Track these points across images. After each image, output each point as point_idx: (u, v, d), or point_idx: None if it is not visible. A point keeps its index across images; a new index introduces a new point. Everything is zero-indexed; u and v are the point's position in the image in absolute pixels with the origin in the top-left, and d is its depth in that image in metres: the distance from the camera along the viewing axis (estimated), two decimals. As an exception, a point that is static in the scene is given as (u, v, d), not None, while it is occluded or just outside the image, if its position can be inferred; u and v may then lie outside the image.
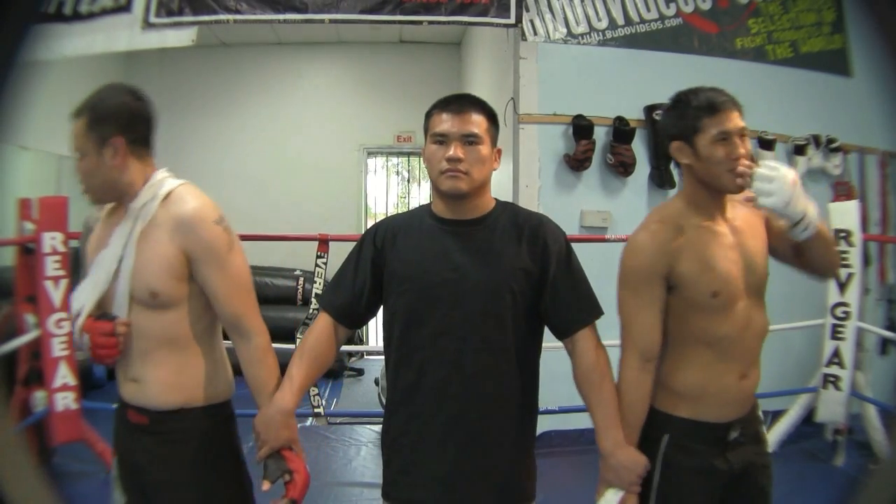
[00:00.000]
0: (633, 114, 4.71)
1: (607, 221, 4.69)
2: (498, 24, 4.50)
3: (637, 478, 1.83)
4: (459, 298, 1.82)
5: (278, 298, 6.86)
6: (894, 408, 4.39)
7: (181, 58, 7.18)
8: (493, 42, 5.59)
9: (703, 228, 1.89)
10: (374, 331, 7.51)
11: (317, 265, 3.97)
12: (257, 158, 7.87)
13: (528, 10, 4.52)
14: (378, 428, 2.08)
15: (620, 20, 4.74)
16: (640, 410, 1.90)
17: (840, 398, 4.16)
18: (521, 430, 1.92)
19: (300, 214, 7.49)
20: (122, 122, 1.82)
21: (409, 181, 8.62)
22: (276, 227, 6.27)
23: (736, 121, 1.84)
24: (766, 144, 4.91)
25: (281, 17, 4.41)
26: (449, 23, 4.53)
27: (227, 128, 7.90)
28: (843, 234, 4.19)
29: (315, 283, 3.94)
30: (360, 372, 6.86)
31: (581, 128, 4.60)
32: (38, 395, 3.83)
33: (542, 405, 3.73)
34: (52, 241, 3.72)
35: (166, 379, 1.84)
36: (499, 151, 1.92)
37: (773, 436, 4.53)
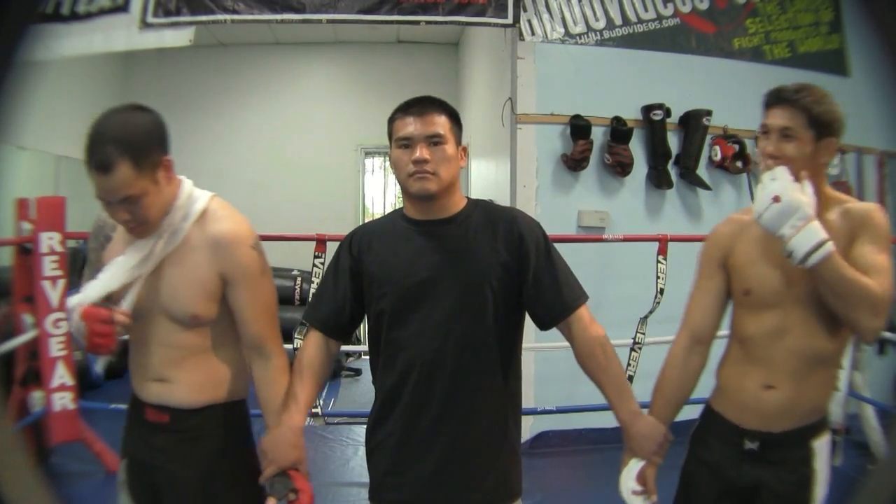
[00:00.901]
0: (631, 114, 4.70)
1: (605, 221, 4.68)
2: (495, 24, 4.50)
3: (657, 446, 1.84)
4: (438, 297, 1.83)
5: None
6: (892, 408, 4.39)
7: (179, 58, 7.18)
8: (490, 42, 5.59)
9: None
10: (367, 330, 7.48)
11: (314, 265, 3.97)
12: (255, 158, 7.87)
13: (525, 10, 4.52)
14: (376, 428, 2.07)
15: (618, 20, 4.73)
16: (678, 387, 1.94)
17: (838, 398, 4.15)
18: (505, 425, 1.92)
19: (298, 214, 7.49)
20: (161, 139, 1.76)
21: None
22: (273, 226, 6.24)
23: (776, 117, 1.80)
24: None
25: (278, 17, 4.41)
26: (446, 23, 4.53)
27: (225, 128, 7.90)
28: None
29: (313, 283, 3.94)
30: (357, 372, 6.86)
31: (578, 128, 4.60)
32: (36, 395, 3.83)
33: (540, 405, 3.75)
34: (49, 241, 3.72)
35: (197, 380, 1.86)
36: (464, 149, 1.93)
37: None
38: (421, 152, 1.81)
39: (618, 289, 4.23)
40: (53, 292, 3.72)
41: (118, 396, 4.36)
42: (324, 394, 6.02)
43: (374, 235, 1.95)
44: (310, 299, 3.90)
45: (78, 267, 6.44)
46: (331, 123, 7.98)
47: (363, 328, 2.02)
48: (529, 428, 4.22)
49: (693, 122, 4.70)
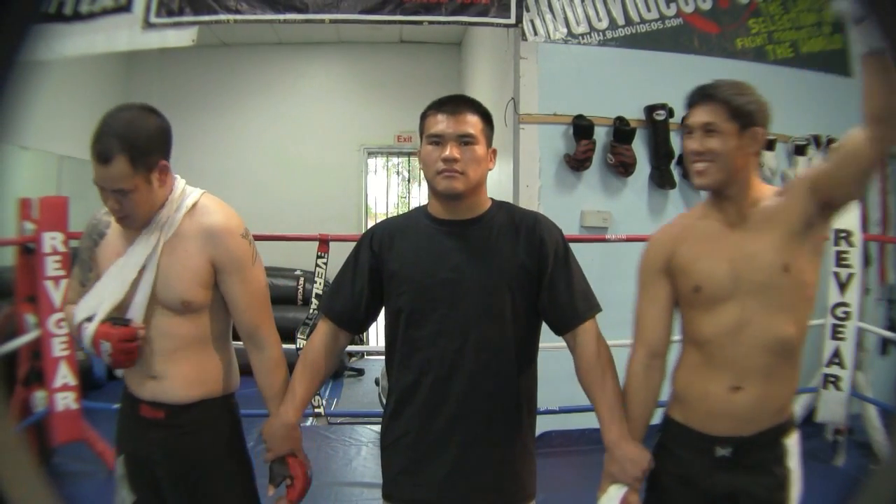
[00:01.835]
0: (634, 114, 4.70)
1: (607, 221, 4.68)
2: (498, 24, 4.50)
3: (641, 472, 1.81)
4: (459, 298, 1.83)
5: (279, 298, 6.83)
6: (894, 408, 4.39)
7: (181, 58, 7.18)
8: (493, 42, 5.59)
9: (705, 225, 1.87)
10: (375, 331, 7.49)
11: (317, 265, 3.97)
12: (258, 158, 7.87)
13: (528, 10, 4.52)
14: (378, 428, 2.09)
15: (621, 20, 4.73)
16: (644, 405, 1.90)
17: (840, 398, 4.15)
18: (521, 427, 1.92)
19: (300, 214, 7.49)
20: (162, 145, 1.83)
21: (409, 181, 8.62)
22: (276, 226, 6.25)
23: (697, 116, 1.80)
24: (767, 144, 4.90)
25: (281, 17, 4.41)
26: (449, 23, 4.53)
27: (228, 128, 7.90)
28: (843, 235, 4.19)
29: (315, 282, 3.95)
30: (360, 372, 6.87)
31: (581, 128, 4.60)
32: (39, 395, 3.84)
33: (542, 405, 3.74)
34: (52, 241, 3.73)
35: (189, 374, 1.92)
36: (493, 151, 1.93)
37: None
38: (451, 151, 1.82)
39: (620, 289, 4.20)
40: (56, 292, 3.72)
41: (120, 397, 4.37)
42: (326, 393, 6.02)
43: (396, 232, 1.95)
44: (315, 299, 3.93)
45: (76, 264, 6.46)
46: (333, 123, 7.98)
47: (382, 329, 2.04)
48: (532, 428, 4.22)
49: (696, 123, 4.69)
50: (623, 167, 4.66)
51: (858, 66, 1.64)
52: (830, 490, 4.05)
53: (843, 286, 4.20)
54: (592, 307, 1.90)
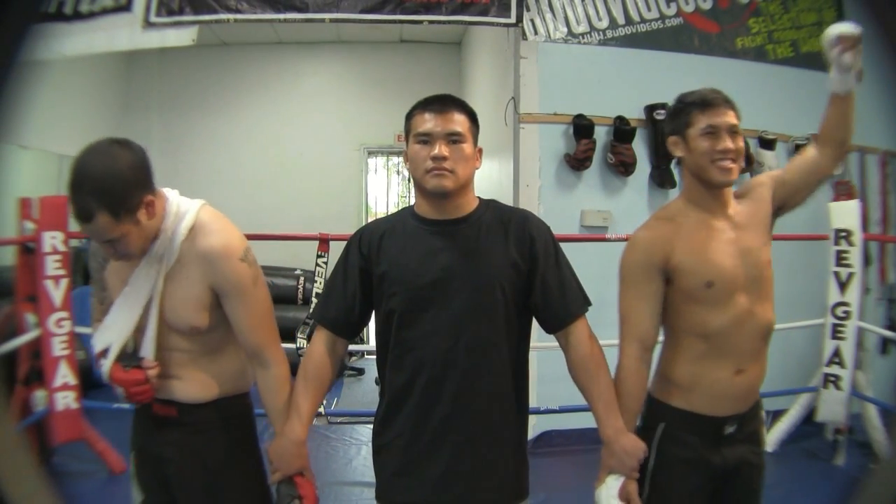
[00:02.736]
0: (634, 113, 4.70)
1: (608, 221, 4.68)
2: (498, 24, 4.50)
3: (638, 463, 1.86)
4: (450, 298, 1.83)
5: (279, 298, 6.82)
6: (895, 407, 4.39)
7: (181, 57, 7.18)
8: (493, 41, 5.59)
9: (699, 222, 1.95)
10: (374, 329, 7.49)
11: (317, 265, 3.97)
12: (258, 158, 7.87)
13: (528, 10, 4.52)
14: (378, 428, 2.07)
15: (621, 20, 4.73)
16: (638, 398, 1.96)
17: (840, 398, 4.15)
18: (513, 426, 1.93)
19: (301, 214, 7.49)
20: (141, 182, 1.74)
21: (409, 180, 8.61)
22: (276, 226, 6.26)
23: (725, 117, 1.91)
24: (767, 144, 4.91)
25: (281, 16, 4.41)
26: (449, 22, 4.52)
27: (228, 127, 7.90)
28: (843, 234, 4.19)
29: (315, 282, 3.95)
30: (360, 371, 6.87)
31: (581, 127, 4.60)
32: (39, 395, 3.83)
33: (542, 405, 3.75)
34: (52, 240, 3.72)
35: (202, 380, 1.92)
36: (479, 150, 1.93)
37: (774, 435, 4.54)
38: (440, 149, 1.81)
39: (620, 288, 4.24)
40: (56, 292, 3.72)
41: (121, 396, 4.37)
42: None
43: (384, 234, 1.93)
44: (315, 298, 3.92)
45: (80, 267, 6.46)
46: (333, 123, 7.98)
47: (367, 327, 2.03)
48: (532, 428, 4.22)
49: (696, 122, 4.69)
50: (623, 167, 4.66)
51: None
52: (830, 489, 4.05)
53: (843, 286, 4.19)
54: (582, 305, 1.91)
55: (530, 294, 1.88)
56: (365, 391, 6.29)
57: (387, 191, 8.42)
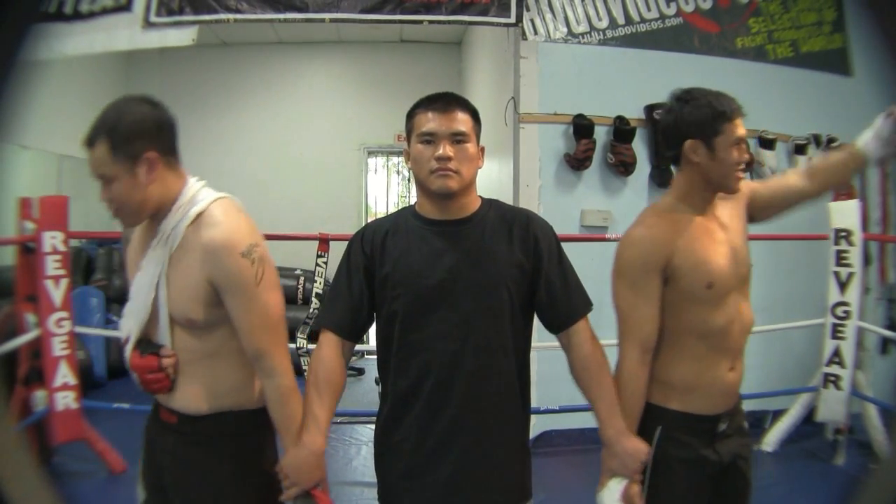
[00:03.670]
0: (634, 113, 4.70)
1: (608, 221, 4.69)
2: (498, 24, 4.50)
3: (640, 465, 1.86)
4: (456, 300, 1.81)
5: (278, 298, 6.83)
6: (895, 407, 4.39)
7: (182, 57, 7.19)
8: (493, 41, 5.59)
9: (696, 223, 1.95)
10: (375, 331, 7.49)
11: (317, 264, 3.97)
12: (258, 158, 7.88)
13: (528, 10, 4.52)
14: (378, 428, 2.05)
15: (621, 19, 4.73)
16: (639, 401, 1.95)
17: (840, 397, 4.15)
18: (518, 426, 1.93)
19: (301, 214, 7.49)
20: (150, 134, 1.71)
21: (409, 180, 8.62)
22: (276, 226, 6.24)
23: (744, 128, 1.95)
24: (767, 144, 4.91)
25: (281, 16, 4.41)
26: (449, 22, 4.53)
27: (228, 127, 7.90)
28: (843, 234, 4.19)
29: (315, 282, 3.95)
30: (360, 372, 6.86)
31: (581, 127, 4.60)
32: (39, 395, 3.84)
33: (542, 405, 3.75)
34: (52, 240, 3.73)
35: (200, 389, 1.81)
36: (482, 149, 1.91)
37: (774, 435, 4.54)
38: (445, 149, 1.79)
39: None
40: (56, 291, 3.72)
41: (121, 396, 4.37)
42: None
43: (386, 233, 1.90)
44: (315, 298, 3.93)
45: (80, 267, 6.46)
46: (333, 123, 7.99)
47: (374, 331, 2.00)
48: (532, 427, 4.19)
49: (696, 122, 4.69)
50: (623, 166, 4.66)
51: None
52: (830, 489, 4.05)
53: (843, 285, 4.20)
54: (586, 305, 1.91)
55: (534, 294, 1.88)
56: (365, 391, 6.28)
57: (387, 191, 8.42)
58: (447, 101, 1.85)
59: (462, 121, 1.83)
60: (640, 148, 4.71)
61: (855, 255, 4.17)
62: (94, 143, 1.68)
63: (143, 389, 1.80)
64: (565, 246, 1.96)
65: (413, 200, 2.00)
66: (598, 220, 4.67)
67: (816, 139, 5.02)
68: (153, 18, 4.33)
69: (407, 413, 1.86)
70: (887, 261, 5.29)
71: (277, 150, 7.91)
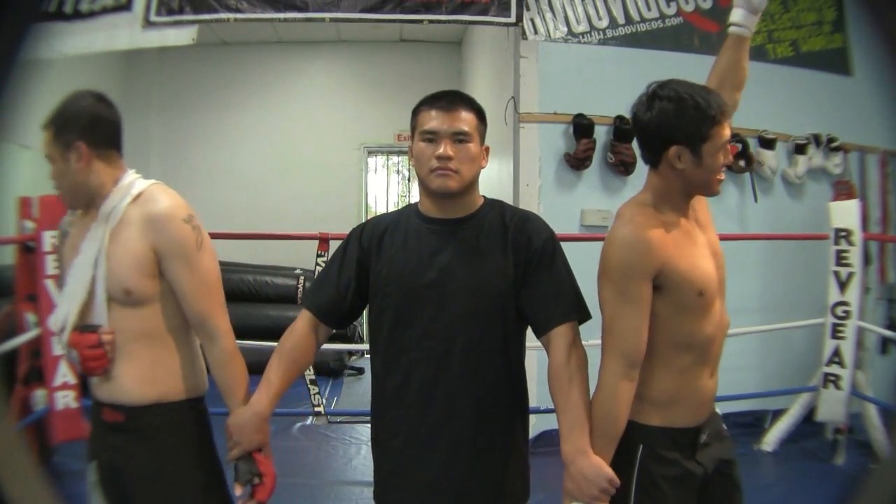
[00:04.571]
0: (634, 113, 4.70)
1: (608, 220, 4.67)
2: (498, 23, 4.50)
3: (599, 492, 1.68)
4: (446, 299, 1.80)
5: (279, 297, 6.85)
6: (895, 407, 4.39)
7: (182, 56, 7.18)
8: (493, 41, 5.59)
9: (680, 226, 1.82)
10: (367, 326, 7.49)
11: (317, 264, 3.97)
12: (258, 157, 7.87)
13: (528, 9, 4.52)
14: (378, 428, 2.06)
15: (621, 19, 4.73)
16: (617, 422, 1.76)
17: (840, 397, 4.15)
18: (511, 430, 1.89)
19: (300, 213, 7.48)
20: (82, 127, 1.85)
21: (409, 180, 8.62)
22: (276, 225, 6.27)
23: (730, 127, 1.80)
24: (767, 143, 4.91)
25: (282, 15, 4.41)
26: (449, 21, 4.53)
27: (228, 126, 7.90)
28: (843, 234, 4.19)
29: (315, 282, 3.95)
30: (360, 371, 6.87)
31: (581, 127, 4.60)
32: (39, 394, 3.83)
33: (541, 405, 3.74)
34: (52, 239, 3.72)
35: (140, 373, 1.85)
36: (487, 149, 1.90)
37: (774, 435, 4.54)
38: (445, 149, 1.78)
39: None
40: (56, 291, 3.72)
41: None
42: (326, 392, 6.02)
43: (385, 229, 1.91)
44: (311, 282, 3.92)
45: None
46: (333, 122, 7.98)
47: (366, 327, 2.01)
48: (532, 427, 4.18)
49: (696, 122, 4.69)
50: (623, 166, 4.66)
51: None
52: (830, 489, 4.05)
53: (843, 285, 4.19)
54: (573, 311, 1.81)
55: (519, 294, 1.83)
56: (365, 391, 6.27)
57: (387, 190, 8.42)
58: (451, 100, 1.85)
59: (465, 120, 1.82)
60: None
61: (855, 255, 4.17)
62: (44, 128, 1.85)
63: (81, 370, 1.84)
64: (565, 246, 1.93)
65: (413, 199, 2.00)
66: (598, 220, 4.67)
67: (816, 139, 5.02)
68: (153, 18, 4.33)
69: (395, 411, 1.87)
70: (887, 261, 5.30)
71: (277, 149, 7.90)
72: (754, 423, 4.80)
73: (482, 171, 1.92)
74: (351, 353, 6.92)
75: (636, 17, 4.75)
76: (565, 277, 1.85)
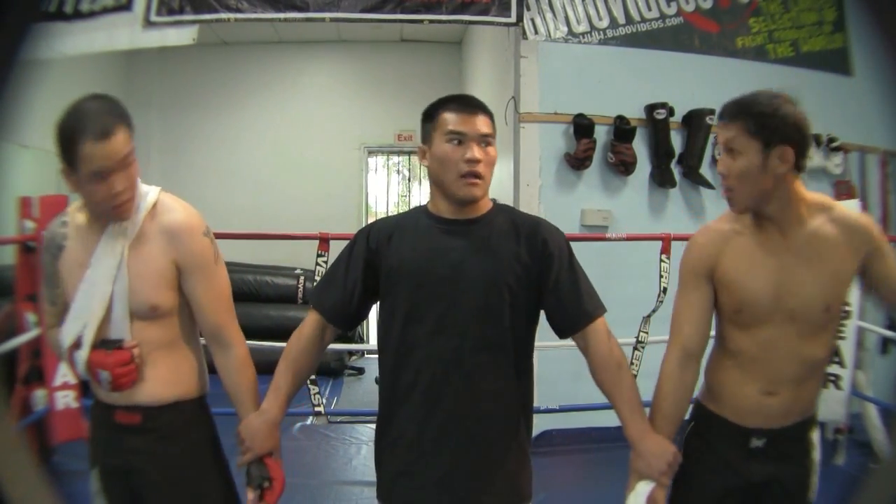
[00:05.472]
0: (634, 113, 4.70)
1: (608, 220, 4.68)
2: (499, 23, 4.50)
3: (667, 467, 1.77)
4: (458, 295, 1.81)
5: (279, 297, 6.86)
6: (895, 407, 4.39)
7: (182, 56, 7.17)
8: (493, 41, 5.59)
9: (750, 241, 1.83)
10: (375, 330, 7.48)
11: (317, 264, 3.97)
12: (258, 157, 7.87)
13: (528, 9, 4.52)
14: (378, 427, 2.06)
15: (621, 19, 4.73)
16: (674, 402, 1.88)
17: (841, 397, 4.15)
18: (518, 427, 1.91)
19: (300, 213, 7.47)
20: (61, 149, 1.83)
21: (409, 180, 8.62)
22: (276, 225, 6.26)
23: (721, 133, 1.82)
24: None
25: (282, 15, 4.41)
26: (450, 21, 4.53)
27: (228, 127, 7.89)
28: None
29: (315, 281, 3.94)
30: (360, 371, 6.86)
31: (582, 127, 4.60)
32: (39, 394, 3.83)
33: (542, 404, 3.75)
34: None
35: (164, 376, 1.87)
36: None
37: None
38: (476, 152, 1.81)
39: (621, 288, 4.23)
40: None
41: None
42: (327, 392, 6.02)
43: (394, 230, 1.92)
44: (316, 283, 3.92)
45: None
46: (334, 122, 7.97)
47: (364, 327, 2.01)
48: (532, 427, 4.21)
49: (696, 121, 4.70)
50: (623, 166, 4.66)
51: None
52: (830, 489, 4.04)
53: (843, 285, 4.19)
54: (599, 306, 1.88)
55: (542, 297, 1.87)
56: (365, 391, 6.28)
57: (387, 190, 8.41)
58: (473, 104, 1.88)
59: (488, 123, 1.87)
60: (640, 147, 4.71)
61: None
62: (112, 133, 1.75)
63: (110, 389, 1.81)
64: (565, 245, 1.96)
65: (413, 199, 2.00)
66: (599, 220, 4.67)
67: (817, 139, 5.01)
68: (153, 18, 4.33)
69: (404, 409, 1.87)
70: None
71: (277, 149, 7.90)
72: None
73: None
74: (351, 353, 6.92)
75: (636, 17, 4.75)
76: (584, 276, 1.91)
